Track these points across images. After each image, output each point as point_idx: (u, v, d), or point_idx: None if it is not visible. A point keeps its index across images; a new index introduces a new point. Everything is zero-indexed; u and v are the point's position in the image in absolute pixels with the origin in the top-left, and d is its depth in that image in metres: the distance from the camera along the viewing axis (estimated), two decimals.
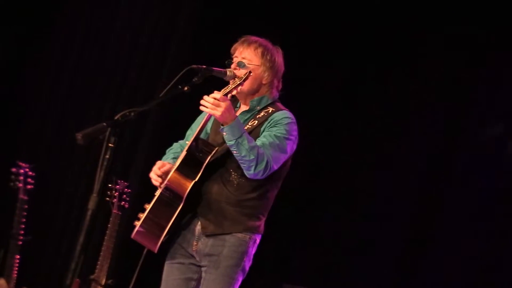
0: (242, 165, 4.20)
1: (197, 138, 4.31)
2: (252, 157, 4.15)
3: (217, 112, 4.11)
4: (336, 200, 6.58)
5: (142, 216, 4.27)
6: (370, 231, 6.39)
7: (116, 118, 3.70)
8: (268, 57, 4.43)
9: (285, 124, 4.34)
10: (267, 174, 4.23)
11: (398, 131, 6.48)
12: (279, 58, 4.49)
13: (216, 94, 4.15)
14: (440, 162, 6.29)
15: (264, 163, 4.18)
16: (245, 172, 4.23)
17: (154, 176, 4.38)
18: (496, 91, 6.20)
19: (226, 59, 4.44)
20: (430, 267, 6.16)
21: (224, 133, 4.17)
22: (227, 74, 4.34)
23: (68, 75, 7.69)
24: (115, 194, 6.01)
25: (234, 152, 4.17)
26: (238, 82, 4.26)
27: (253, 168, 4.18)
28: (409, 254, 6.26)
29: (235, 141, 4.14)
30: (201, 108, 4.15)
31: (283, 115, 4.38)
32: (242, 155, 4.15)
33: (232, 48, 4.49)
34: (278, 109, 4.42)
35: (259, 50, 4.43)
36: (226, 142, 4.18)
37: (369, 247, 6.38)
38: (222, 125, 4.17)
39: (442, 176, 6.26)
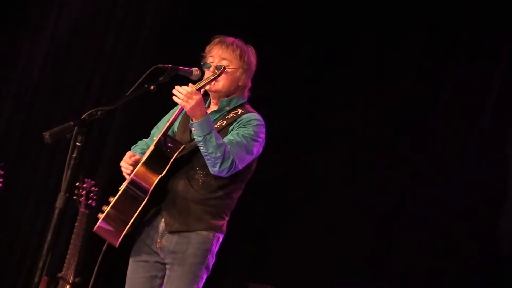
0: (207, 162, 4.20)
1: (165, 134, 4.30)
2: (218, 154, 4.15)
3: (188, 105, 4.12)
4: (304, 199, 6.58)
5: (106, 208, 4.25)
6: (338, 230, 6.39)
7: (83, 117, 3.71)
8: (245, 59, 4.41)
9: (254, 125, 4.35)
10: (231, 172, 4.23)
11: (366, 130, 6.52)
12: (253, 59, 4.49)
13: (189, 87, 4.15)
14: (406, 161, 6.32)
15: (229, 161, 4.18)
16: (210, 169, 4.23)
17: (124, 164, 4.36)
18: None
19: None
20: (398, 265, 6.24)
21: (193, 129, 4.17)
22: (193, 73, 4.33)
23: (35, 74, 7.68)
24: (82, 193, 6.03)
25: (201, 148, 4.17)
26: (212, 77, 4.27)
27: (218, 165, 4.18)
28: (378, 254, 6.29)
29: (203, 137, 4.13)
30: (173, 98, 4.15)
31: (252, 117, 4.38)
32: (209, 151, 4.15)
33: (207, 49, 4.45)
34: (247, 111, 4.42)
35: (237, 52, 4.40)
36: (195, 137, 4.18)
37: (337, 247, 6.39)
38: (192, 120, 4.17)
39: (409, 174, 6.29)
